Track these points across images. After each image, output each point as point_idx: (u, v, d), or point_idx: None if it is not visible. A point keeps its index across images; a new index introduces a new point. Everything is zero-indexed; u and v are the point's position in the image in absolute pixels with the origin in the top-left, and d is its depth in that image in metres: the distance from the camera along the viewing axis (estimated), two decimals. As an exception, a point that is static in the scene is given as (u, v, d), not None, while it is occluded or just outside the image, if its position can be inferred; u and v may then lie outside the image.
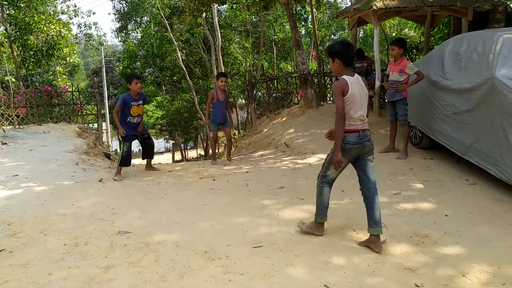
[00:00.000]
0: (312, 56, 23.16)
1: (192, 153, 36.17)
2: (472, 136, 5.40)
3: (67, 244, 3.83)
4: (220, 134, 15.53)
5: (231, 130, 15.54)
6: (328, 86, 12.36)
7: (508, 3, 8.71)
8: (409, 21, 14.91)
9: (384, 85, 6.99)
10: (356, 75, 3.64)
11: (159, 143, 47.31)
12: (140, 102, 6.61)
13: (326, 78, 12.38)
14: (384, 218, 4.19)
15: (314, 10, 13.10)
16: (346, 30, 27.01)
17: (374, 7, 8.22)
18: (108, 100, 32.08)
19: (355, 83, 3.55)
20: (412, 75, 6.46)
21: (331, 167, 3.76)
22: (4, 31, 14.13)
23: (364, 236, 3.82)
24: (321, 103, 10.80)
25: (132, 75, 6.76)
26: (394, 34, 18.47)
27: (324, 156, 6.94)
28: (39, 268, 3.39)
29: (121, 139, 6.71)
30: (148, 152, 7.06)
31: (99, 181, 6.13)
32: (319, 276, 3.13)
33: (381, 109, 9.28)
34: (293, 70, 24.31)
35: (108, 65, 38.97)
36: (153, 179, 6.28)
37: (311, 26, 25.11)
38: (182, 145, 35.46)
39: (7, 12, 14.52)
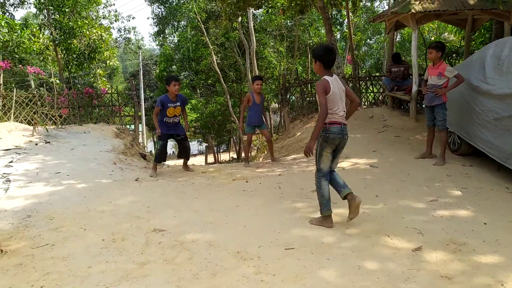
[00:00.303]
0: (347, 60, 22.95)
1: (224, 156, 36.46)
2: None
3: (105, 240, 3.96)
4: (253, 137, 15.56)
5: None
6: (363, 90, 12.21)
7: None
8: (449, 25, 14.54)
9: (422, 90, 6.86)
10: (334, 75, 4.08)
11: (192, 146, 47.82)
12: (178, 104, 6.73)
13: (361, 82, 12.24)
14: (420, 224, 4.14)
15: (350, 14, 12.99)
16: (383, 34, 26.63)
17: (413, 11, 8.08)
18: (144, 102, 32.84)
19: (334, 82, 4.01)
20: (452, 79, 6.31)
21: (321, 160, 4.12)
22: (50, 35, 14.73)
23: (398, 242, 3.76)
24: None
25: (171, 77, 6.80)
26: (433, 38, 18.10)
27: (358, 160, 6.91)
28: (78, 261, 3.52)
29: (156, 138, 6.90)
30: (184, 153, 7.19)
31: (136, 180, 6.29)
32: (352, 280, 3.11)
33: (418, 114, 9.10)
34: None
35: (145, 68, 39.88)
36: (187, 180, 6.39)
37: (346, 30, 24.93)
38: (215, 148, 35.81)
39: (53, 17, 15.13)
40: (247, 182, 6.11)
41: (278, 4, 19.48)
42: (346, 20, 14.51)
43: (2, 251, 3.71)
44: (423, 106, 6.91)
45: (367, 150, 7.54)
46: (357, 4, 12.11)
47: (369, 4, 26.27)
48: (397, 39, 25.20)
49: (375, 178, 5.86)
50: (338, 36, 26.37)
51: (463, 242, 3.76)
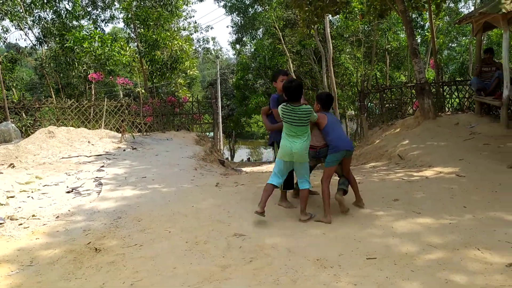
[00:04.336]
0: (429, 64, 21.99)
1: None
2: None
3: (188, 242, 4.13)
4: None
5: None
6: (447, 96, 11.61)
7: None
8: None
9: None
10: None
11: (268, 153, 48.47)
12: None
13: (445, 87, 11.65)
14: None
15: (433, 16, 12.44)
16: (468, 36, 25.17)
17: (504, 10, 7.57)
18: (221, 110, 33.84)
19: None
20: None
21: None
22: (136, 48, 15.70)
23: (490, 256, 3.52)
24: (439, 114, 10.19)
25: (278, 72, 5.56)
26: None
27: (442, 169, 6.59)
28: (165, 261, 3.70)
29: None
30: None
31: (216, 185, 6.48)
32: (439, 294, 2.96)
33: (510, 121, 8.47)
34: (406, 80, 23.35)
35: (222, 77, 41.04)
36: (266, 186, 6.45)
37: (427, 34, 23.91)
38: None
39: (138, 30, 16.14)
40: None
41: (356, 9, 19.21)
42: (428, 23, 13.92)
43: (96, 249, 4.00)
44: None
45: (452, 158, 7.15)
46: (441, 6, 11.55)
47: (453, 5, 24.98)
48: (484, 41, 23.67)
49: (462, 188, 5.54)
50: (419, 40, 25.34)
51: None
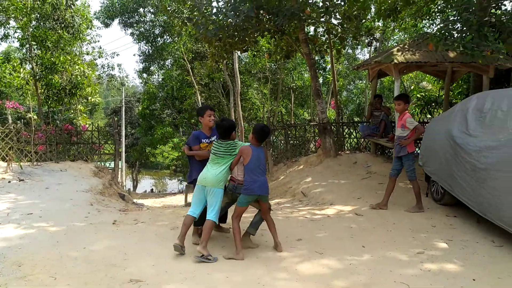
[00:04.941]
0: (331, 104, 23.35)
1: (204, 196, 35.91)
2: (492, 196, 5.17)
3: (77, 291, 3.70)
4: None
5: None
6: (346, 136, 12.28)
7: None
8: (427, 75, 14.97)
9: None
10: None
11: (172, 184, 47.40)
12: (213, 139, 5.29)
13: (344, 127, 12.33)
14: (408, 279, 4.02)
15: (334, 60, 13.26)
16: (364, 81, 27.30)
17: (395, 61, 8.27)
18: (125, 139, 32.60)
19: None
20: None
21: None
22: (31, 70, 14.56)
23: (387, 298, 3.61)
24: (339, 152, 10.70)
25: (205, 107, 5.58)
26: (412, 87, 18.59)
27: (343, 207, 6.81)
28: (46, 316, 3.25)
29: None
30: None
31: (113, 223, 6.03)
32: None
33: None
34: (310, 118, 24.51)
35: (128, 105, 39.78)
36: (168, 224, 6.14)
37: (328, 76, 25.53)
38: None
39: (35, 52, 15.01)
40: (230, 228, 5.89)
41: (264, 48, 19.91)
42: (330, 66, 14.79)
43: (-38, 302, 3.42)
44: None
45: (351, 196, 7.47)
46: (341, 52, 12.37)
47: (351, 51, 27.05)
48: (378, 85, 25.84)
49: (360, 227, 5.75)
50: (321, 81, 26.96)
51: (453, 300, 3.63)
